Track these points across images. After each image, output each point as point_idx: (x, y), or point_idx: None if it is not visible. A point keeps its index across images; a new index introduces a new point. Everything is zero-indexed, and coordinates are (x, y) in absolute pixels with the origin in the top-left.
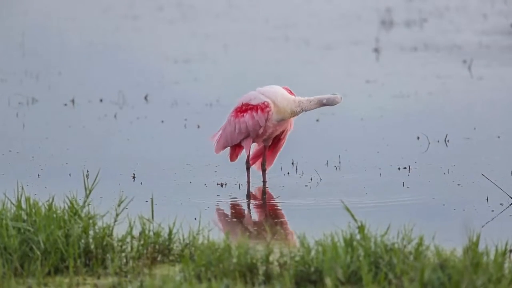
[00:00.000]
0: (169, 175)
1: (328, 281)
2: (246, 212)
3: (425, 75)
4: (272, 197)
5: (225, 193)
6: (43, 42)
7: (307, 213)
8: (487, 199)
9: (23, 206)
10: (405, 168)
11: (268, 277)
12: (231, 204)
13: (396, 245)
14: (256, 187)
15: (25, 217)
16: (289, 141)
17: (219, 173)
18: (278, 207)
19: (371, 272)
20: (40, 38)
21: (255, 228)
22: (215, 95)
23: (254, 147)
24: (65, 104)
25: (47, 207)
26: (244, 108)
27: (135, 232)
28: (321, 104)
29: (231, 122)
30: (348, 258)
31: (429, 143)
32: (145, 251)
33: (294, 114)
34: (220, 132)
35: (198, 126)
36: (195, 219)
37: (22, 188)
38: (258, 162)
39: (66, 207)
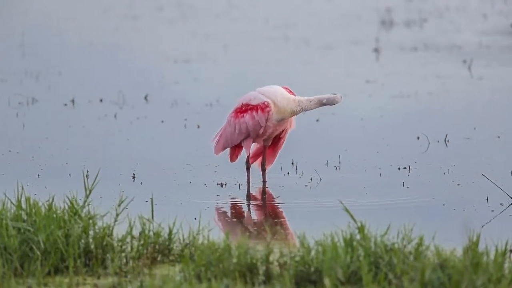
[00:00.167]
0: (169, 175)
1: (327, 281)
2: (246, 212)
3: (425, 75)
4: (272, 197)
5: (225, 193)
6: (43, 42)
7: (307, 213)
8: (487, 199)
9: (23, 206)
10: (405, 168)
11: (268, 277)
12: (231, 204)
13: (396, 245)
14: (256, 187)
15: (25, 217)
16: (289, 141)
17: (219, 173)
18: (278, 207)
19: (371, 272)
20: (40, 38)
21: (255, 228)
22: (215, 95)
23: (254, 145)
24: (65, 104)
25: (47, 207)
26: (244, 109)
27: (135, 232)
28: (321, 103)
29: (231, 122)
30: (348, 258)
31: (429, 143)
32: (145, 251)
33: (294, 113)
34: (220, 133)
35: (198, 126)
36: (195, 219)
37: (22, 188)
38: (258, 160)
39: (66, 207)
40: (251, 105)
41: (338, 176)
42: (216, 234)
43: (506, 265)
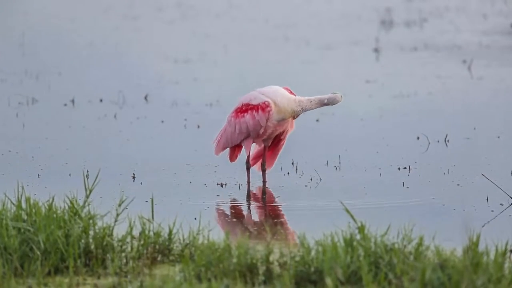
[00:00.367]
0: (169, 175)
1: (328, 281)
2: (246, 212)
3: (425, 75)
4: (272, 197)
5: (225, 193)
6: (43, 42)
7: (307, 213)
8: (487, 199)
9: (23, 206)
10: (405, 168)
11: (268, 277)
12: (231, 204)
13: (396, 245)
14: (256, 187)
15: (25, 217)
16: (289, 141)
17: (219, 173)
18: (278, 207)
19: (371, 272)
20: (40, 38)
21: (255, 228)
22: (215, 95)
23: (254, 147)
24: (65, 104)
25: (47, 207)
26: (244, 108)
27: (135, 232)
28: (322, 103)
29: (231, 122)
30: (348, 258)
31: (429, 143)
32: (145, 251)
33: (294, 113)
34: (220, 133)
35: (198, 126)
36: (195, 219)
37: (22, 188)
38: (259, 163)
39: (66, 207)
40: (252, 105)
41: (338, 176)
42: (216, 234)
43: (506, 265)
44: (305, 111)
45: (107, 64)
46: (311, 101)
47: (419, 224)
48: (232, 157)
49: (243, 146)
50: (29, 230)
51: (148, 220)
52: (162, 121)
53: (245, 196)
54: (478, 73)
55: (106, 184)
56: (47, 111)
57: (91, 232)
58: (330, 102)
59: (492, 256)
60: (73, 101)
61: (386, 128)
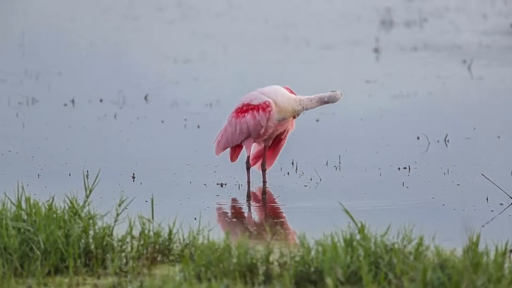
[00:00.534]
0: (169, 175)
1: (329, 281)
2: (246, 212)
3: (425, 75)
4: (272, 197)
5: (225, 193)
6: (43, 42)
7: (307, 213)
8: (487, 199)
9: (23, 206)
10: (405, 168)
11: (268, 277)
12: (231, 204)
13: (396, 245)
14: (256, 187)
15: (25, 217)
16: (289, 141)
17: (219, 173)
18: (278, 207)
19: (371, 272)
20: (40, 38)
21: (255, 228)
22: (215, 95)
23: (254, 147)
24: (65, 104)
25: (47, 207)
26: (245, 109)
27: (135, 232)
28: (322, 101)
29: (231, 122)
30: (348, 258)
31: (429, 143)
32: (145, 251)
33: (295, 112)
34: (221, 133)
35: (198, 126)
36: (195, 219)
37: (22, 188)
38: (259, 163)
39: (66, 207)
40: (252, 105)
41: (338, 176)
42: (216, 234)
43: (506, 265)
44: (306, 110)
45: (107, 64)
46: (311, 100)
47: (419, 224)
48: (233, 157)
49: (244, 146)
50: (29, 230)
51: (148, 220)
52: (162, 121)
53: (245, 196)
54: (478, 73)
55: (106, 184)
56: (47, 111)
57: (91, 232)
58: (330, 100)
59: (492, 256)
60: (73, 101)
61: (386, 128)
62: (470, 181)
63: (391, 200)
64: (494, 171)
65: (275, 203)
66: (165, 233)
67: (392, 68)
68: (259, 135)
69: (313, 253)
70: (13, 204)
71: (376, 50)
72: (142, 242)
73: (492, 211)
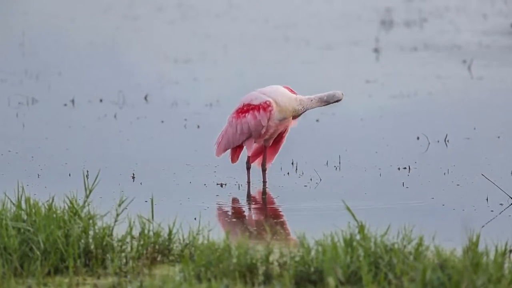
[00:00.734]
0: (169, 175)
1: (331, 280)
2: (246, 212)
3: (425, 75)
4: (272, 197)
5: (224, 193)
6: (43, 42)
7: (306, 213)
8: (487, 199)
9: (23, 206)
10: (405, 168)
11: (268, 277)
12: (231, 204)
13: (396, 245)
14: (256, 187)
15: (25, 217)
16: (289, 141)
17: (219, 173)
18: (278, 207)
19: (371, 272)
20: (40, 38)
21: (255, 228)
22: (215, 95)
23: (254, 144)
24: (65, 104)
25: (47, 207)
26: (245, 109)
27: (135, 232)
28: (323, 101)
29: (232, 123)
30: (348, 258)
31: (429, 143)
32: (145, 251)
33: (296, 112)
34: (221, 134)
35: (198, 126)
36: (195, 219)
37: (22, 188)
38: (259, 160)
39: (66, 207)
40: (253, 105)
41: (338, 176)
42: (216, 234)
43: (506, 265)
44: (306, 110)
45: (107, 64)
46: (312, 100)
47: (419, 224)
48: (234, 158)
49: (245, 147)
50: (29, 230)
51: (148, 220)
52: (162, 121)
53: (245, 196)
54: (478, 73)
55: (106, 184)
56: (47, 111)
57: (91, 232)
58: (329, 99)
59: (492, 256)
60: (73, 101)
61: (386, 128)
62: (470, 181)
63: (391, 200)
64: (494, 171)
65: (275, 203)
66: (165, 233)
67: (392, 68)
68: (260, 135)
69: (313, 253)
70: (13, 204)
71: (376, 50)
72: (142, 242)
73: (492, 211)
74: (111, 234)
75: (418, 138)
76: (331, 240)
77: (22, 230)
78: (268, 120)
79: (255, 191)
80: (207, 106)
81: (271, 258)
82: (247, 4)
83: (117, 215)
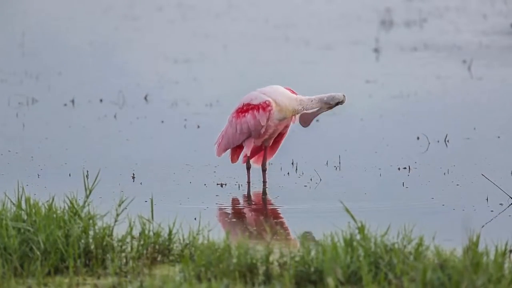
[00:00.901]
0: (169, 175)
1: (330, 280)
2: (246, 212)
3: (425, 75)
4: (272, 197)
5: (224, 193)
6: (43, 42)
7: (306, 213)
8: (487, 199)
9: (23, 206)
10: (405, 168)
11: (268, 277)
12: (231, 204)
13: (396, 245)
14: (256, 187)
15: (25, 217)
16: (289, 141)
17: (219, 173)
18: (278, 207)
19: (371, 272)
20: (40, 38)
21: (255, 228)
22: (215, 95)
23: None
24: (65, 104)
25: (47, 207)
26: (245, 108)
27: (135, 232)
28: (322, 102)
29: (232, 123)
30: (348, 258)
31: (429, 143)
32: (145, 251)
33: (295, 112)
34: (221, 134)
35: (198, 126)
36: (195, 219)
37: (22, 188)
38: (257, 158)
39: (66, 207)
40: (253, 104)
41: (338, 176)
42: (216, 234)
43: (506, 265)
44: (307, 110)
45: (107, 64)
46: (312, 101)
47: (419, 224)
48: (234, 157)
49: (245, 147)
50: (29, 230)
51: (148, 220)
52: (162, 121)
53: (245, 196)
54: (478, 73)
55: (106, 184)
56: (47, 111)
57: (91, 232)
58: (329, 100)
59: (492, 256)
60: (73, 101)
61: (386, 128)
62: (470, 181)
63: (391, 200)
64: (494, 171)
65: (275, 203)
66: (165, 233)
67: (392, 68)
68: (259, 135)
69: (313, 253)
70: (13, 204)
71: (376, 50)
72: (142, 242)
73: (492, 211)
74: (111, 234)
75: (418, 138)
76: (331, 240)
77: (22, 230)
78: (268, 119)
79: (255, 191)
80: (207, 106)
81: (271, 258)
82: (247, 4)
83: (117, 215)
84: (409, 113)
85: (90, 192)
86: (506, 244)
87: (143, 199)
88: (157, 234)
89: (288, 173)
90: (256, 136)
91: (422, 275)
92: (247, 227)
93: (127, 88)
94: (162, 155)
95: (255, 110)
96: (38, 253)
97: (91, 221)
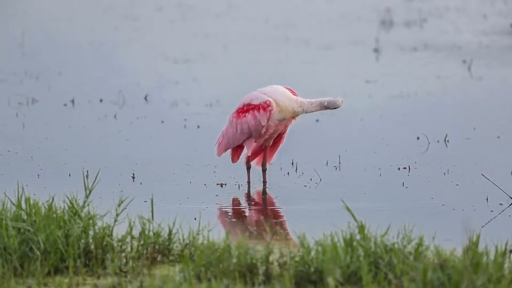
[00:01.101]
0: (169, 175)
1: (330, 280)
2: (246, 212)
3: (425, 75)
4: (272, 197)
5: (224, 194)
6: (43, 42)
7: (306, 213)
8: (487, 199)
9: (23, 206)
10: (405, 168)
11: (268, 277)
12: (231, 204)
13: (396, 245)
14: (256, 187)
15: (25, 217)
16: (289, 141)
17: (219, 173)
18: (278, 207)
19: (371, 272)
20: (40, 38)
21: (255, 228)
22: (215, 95)
23: (254, 144)
24: (65, 104)
25: (47, 207)
26: (246, 108)
27: (135, 232)
28: (323, 106)
29: (232, 123)
30: (348, 258)
31: (429, 143)
32: (145, 251)
33: (295, 113)
34: (222, 134)
35: (198, 126)
36: (195, 219)
37: (22, 188)
38: (258, 159)
39: (66, 207)
40: (253, 104)
41: (338, 176)
42: (216, 234)
43: (506, 265)
44: (306, 112)
45: (107, 64)
46: (312, 103)
47: (419, 224)
48: (234, 157)
49: (245, 147)
50: (29, 230)
51: (148, 220)
52: (162, 121)
53: (245, 196)
54: (478, 73)
55: (106, 184)
56: (47, 111)
57: (91, 232)
58: (330, 105)
59: (492, 256)
60: (73, 101)
61: (386, 128)
62: (470, 181)
63: (391, 200)
64: (494, 171)
65: (275, 203)
66: (165, 233)
67: (392, 68)
68: (260, 135)
69: (313, 253)
70: (13, 204)
71: (376, 50)
72: (142, 242)
73: (492, 211)
74: (111, 234)
75: (418, 138)
76: (331, 240)
77: (22, 230)
78: (268, 120)
79: (255, 191)
80: (207, 106)
81: (271, 258)
82: (247, 4)
83: (117, 215)
84: (409, 113)
85: (90, 192)
86: (506, 244)
87: (143, 199)
88: (157, 234)
89: (288, 173)
90: (257, 136)
91: (422, 275)
92: (247, 227)
93: (127, 88)
94: (162, 155)
95: (256, 110)
96: (38, 253)
97: (91, 221)
